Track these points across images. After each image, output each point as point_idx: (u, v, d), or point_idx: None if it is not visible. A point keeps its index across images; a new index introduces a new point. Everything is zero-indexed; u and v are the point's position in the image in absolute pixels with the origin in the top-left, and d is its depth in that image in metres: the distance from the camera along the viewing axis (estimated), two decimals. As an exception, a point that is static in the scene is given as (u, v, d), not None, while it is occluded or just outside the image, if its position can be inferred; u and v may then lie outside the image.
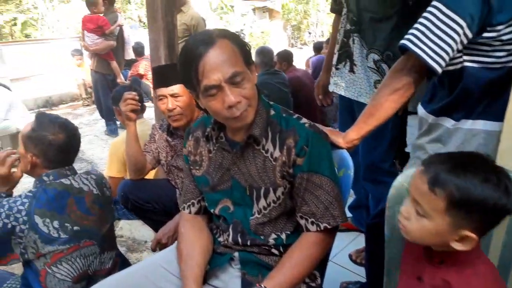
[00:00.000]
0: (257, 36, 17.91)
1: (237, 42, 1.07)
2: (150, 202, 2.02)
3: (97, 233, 1.51)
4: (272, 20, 21.68)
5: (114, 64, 4.72)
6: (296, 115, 1.18)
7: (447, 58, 1.05)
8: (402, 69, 1.14)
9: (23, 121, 4.88)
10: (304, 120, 1.16)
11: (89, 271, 1.48)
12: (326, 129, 1.25)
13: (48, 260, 1.39)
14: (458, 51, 1.09)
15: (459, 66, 1.12)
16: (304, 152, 1.10)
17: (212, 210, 1.27)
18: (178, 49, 2.08)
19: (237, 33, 1.14)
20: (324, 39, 13.14)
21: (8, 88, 4.87)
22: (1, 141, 4.94)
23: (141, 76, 6.18)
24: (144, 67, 6.18)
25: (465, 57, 1.11)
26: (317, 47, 5.93)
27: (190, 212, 1.33)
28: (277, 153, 1.13)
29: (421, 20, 1.08)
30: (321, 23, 13.05)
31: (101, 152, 4.54)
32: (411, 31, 1.09)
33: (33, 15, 15.49)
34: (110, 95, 4.72)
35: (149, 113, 3.45)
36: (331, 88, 2.07)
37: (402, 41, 1.10)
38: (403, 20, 1.68)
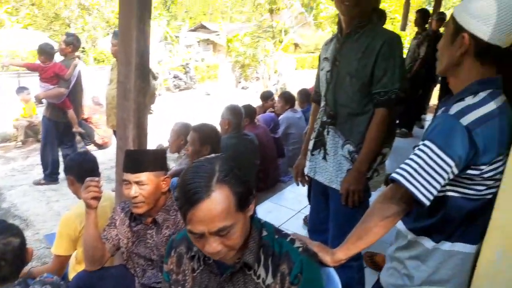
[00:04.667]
0: (202, 70, 18.02)
1: (237, 188, 1.01)
2: (108, 297, 1.85)
3: None
4: (216, 54, 22.03)
5: (71, 113, 4.40)
6: (289, 237, 1.15)
7: (435, 192, 1.11)
8: (392, 198, 1.18)
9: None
10: (297, 243, 1.13)
11: None
12: (314, 245, 1.23)
13: None
14: None
15: (441, 194, 1.18)
16: (298, 280, 1.08)
17: None
18: (146, 130, 1.99)
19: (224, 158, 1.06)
20: (270, 81, 13.62)
21: None
22: None
23: (85, 120, 5.98)
24: (88, 110, 6.01)
25: (448, 187, 1.17)
26: (265, 97, 5.93)
27: None
28: (269, 280, 1.10)
29: (413, 157, 1.13)
30: (268, 66, 13.69)
31: (38, 206, 4.06)
32: (403, 166, 1.13)
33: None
34: (57, 144, 4.36)
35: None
36: (306, 171, 2.15)
37: (395, 175, 1.13)
38: None
